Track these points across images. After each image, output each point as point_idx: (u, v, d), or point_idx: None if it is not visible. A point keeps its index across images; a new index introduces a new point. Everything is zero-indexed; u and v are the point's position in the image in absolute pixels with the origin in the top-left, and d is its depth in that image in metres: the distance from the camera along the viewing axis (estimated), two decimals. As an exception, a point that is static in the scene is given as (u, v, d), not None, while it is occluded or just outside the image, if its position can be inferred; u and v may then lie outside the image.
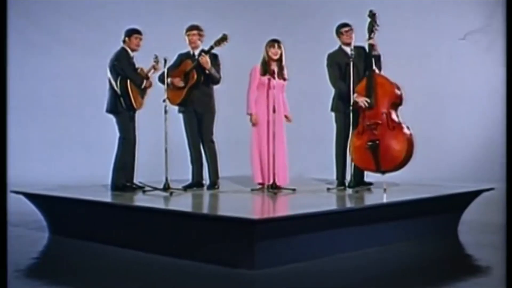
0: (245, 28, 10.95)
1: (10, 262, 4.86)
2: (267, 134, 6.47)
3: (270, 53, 6.49)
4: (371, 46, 6.53)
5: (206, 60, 6.49)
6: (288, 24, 10.98)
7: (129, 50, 6.55)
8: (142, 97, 6.60)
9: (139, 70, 6.57)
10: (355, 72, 6.43)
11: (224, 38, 6.46)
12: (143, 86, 6.50)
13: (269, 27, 10.11)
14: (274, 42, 6.50)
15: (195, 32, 6.69)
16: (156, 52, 6.62)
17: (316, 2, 11.08)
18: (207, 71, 6.54)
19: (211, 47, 6.50)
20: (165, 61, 6.45)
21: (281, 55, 6.52)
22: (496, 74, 10.36)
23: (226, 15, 10.80)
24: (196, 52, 6.70)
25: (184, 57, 6.73)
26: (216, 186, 6.75)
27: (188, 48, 6.75)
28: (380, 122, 6.37)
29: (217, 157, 6.80)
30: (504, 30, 9.23)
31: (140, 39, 6.56)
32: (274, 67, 6.49)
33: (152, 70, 6.63)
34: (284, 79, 6.58)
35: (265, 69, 6.50)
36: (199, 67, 6.57)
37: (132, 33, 6.55)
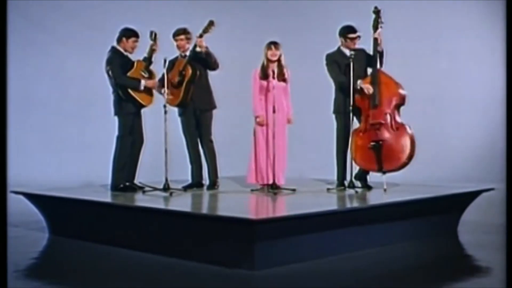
0: (245, 28, 10.96)
1: (10, 262, 4.85)
2: (266, 135, 6.48)
3: (268, 55, 6.50)
4: (376, 40, 6.51)
5: (201, 41, 6.46)
6: (289, 24, 10.98)
7: (122, 51, 6.50)
8: (150, 90, 6.55)
9: (136, 63, 6.45)
10: (354, 72, 6.42)
11: (211, 24, 6.42)
12: (142, 88, 6.42)
13: (269, 27, 10.13)
14: (271, 44, 6.52)
15: (182, 37, 6.67)
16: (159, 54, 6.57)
17: (318, 2, 11.08)
18: (203, 49, 6.48)
19: (200, 35, 6.47)
20: (165, 61, 6.44)
21: (279, 56, 6.52)
22: (496, 74, 10.36)
23: (227, 15, 10.79)
24: (187, 54, 6.70)
25: (175, 61, 6.70)
26: (216, 186, 6.75)
27: (176, 53, 6.75)
28: (383, 122, 6.37)
29: (216, 156, 6.81)
30: (504, 30, 9.22)
31: (137, 42, 6.53)
32: (274, 68, 6.50)
33: (152, 51, 6.47)
34: (284, 81, 6.57)
35: (264, 72, 6.51)
36: (193, 62, 6.57)
37: (130, 35, 6.49)
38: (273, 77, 6.45)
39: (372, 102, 6.42)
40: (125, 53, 6.51)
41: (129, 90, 6.39)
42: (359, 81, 6.42)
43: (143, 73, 6.47)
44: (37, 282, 4.60)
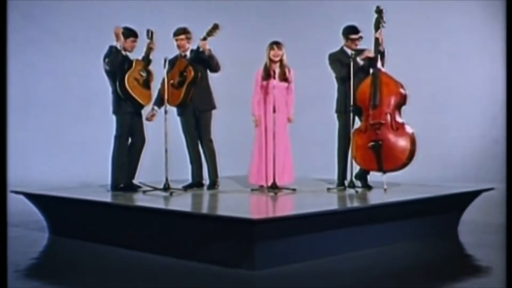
0: (246, 28, 10.96)
1: (10, 262, 4.85)
2: (265, 135, 6.49)
3: (270, 56, 6.53)
4: (377, 40, 6.50)
5: (205, 43, 6.46)
6: (291, 24, 10.98)
7: (120, 49, 6.47)
8: (149, 89, 6.54)
9: (134, 63, 6.44)
10: (355, 72, 6.42)
11: (215, 27, 6.42)
12: (119, 46, 6.33)
13: (271, 28, 10.15)
14: (273, 45, 6.55)
15: (183, 36, 6.68)
16: (157, 53, 6.56)
17: (320, 2, 11.07)
18: (206, 52, 6.49)
19: (204, 38, 6.47)
20: (165, 61, 6.43)
21: (282, 56, 6.53)
22: (496, 74, 10.36)
23: (228, 15, 10.79)
24: (187, 53, 6.70)
25: (175, 61, 6.70)
26: (216, 186, 6.75)
27: (176, 52, 6.74)
28: (383, 122, 6.36)
29: (216, 156, 6.81)
30: (504, 30, 9.22)
31: (136, 42, 6.53)
32: (275, 68, 6.52)
33: (149, 50, 6.48)
34: (286, 80, 6.56)
35: (266, 73, 6.53)
36: (194, 63, 6.57)
37: (129, 35, 6.49)
38: (274, 77, 6.47)
39: (372, 102, 6.41)
40: (124, 53, 6.52)
41: (128, 89, 6.38)
42: (357, 58, 6.41)
43: (142, 73, 6.48)
44: (37, 282, 4.60)
